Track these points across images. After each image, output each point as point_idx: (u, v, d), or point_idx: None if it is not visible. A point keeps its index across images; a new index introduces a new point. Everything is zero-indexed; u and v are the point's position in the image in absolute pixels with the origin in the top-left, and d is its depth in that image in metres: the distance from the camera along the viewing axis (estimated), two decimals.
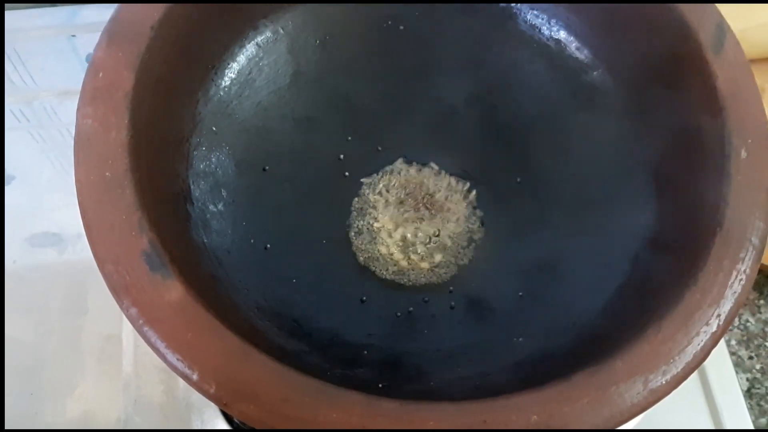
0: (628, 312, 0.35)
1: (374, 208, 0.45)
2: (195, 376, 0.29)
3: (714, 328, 0.31)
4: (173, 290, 0.30)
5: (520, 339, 0.39)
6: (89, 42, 0.59)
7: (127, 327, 0.46)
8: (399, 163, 0.46)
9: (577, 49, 0.45)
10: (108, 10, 0.59)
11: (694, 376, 0.49)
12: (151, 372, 0.44)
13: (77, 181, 0.32)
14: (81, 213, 0.32)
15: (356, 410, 0.29)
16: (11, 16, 0.60)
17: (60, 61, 0.58)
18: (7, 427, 0.43)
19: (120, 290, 0.30)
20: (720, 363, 0.49)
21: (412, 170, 0.46)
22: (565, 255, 0.42)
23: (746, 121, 0.36)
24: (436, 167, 0.46)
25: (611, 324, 0.36)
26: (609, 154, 0.43)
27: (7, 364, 0.45)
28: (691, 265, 0.33)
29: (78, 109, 0.34)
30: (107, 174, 0.32)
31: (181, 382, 0.44)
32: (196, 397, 0.44)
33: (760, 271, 0.54)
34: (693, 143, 0.38)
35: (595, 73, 0.44)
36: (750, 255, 0.33)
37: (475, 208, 0.46)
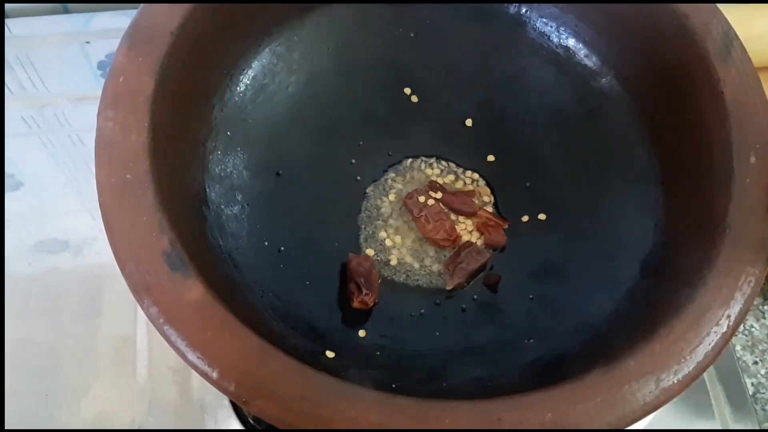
0: (639, 313, 0.36)
1: (383, 212, 0.45)
2: (215, 374, 0.29)
3: (724, 329, 0.32)
4: (193, 289, 0.31)
5: (532, 341, 0.39)
6: (102, 48, 0.60)
7: (142, 329, 0.46)
8: (407, 167, 0.47)
9: (586, 56, 0.45)
10: (120, 17, 0.61)
11: (702, 380, 0.49)
12: (165, 373, 0.45)
13: (98, 182, 0.33)
14: (102, 214, 0.32)
15: (374, 408, 0.29)
16: (25, 23, 0.61)
17: (73, 68, 0.59)
18: (19, 427, 0.44)
19: (141, 290, 0.31)
20: (727, 367, 0.50)
21: (422, 174, 0.47)
22: (575, 258, 0.42)
23: (754, 126, 0.37)
24: (446, 171, 0.47)
25: (623, 325, 0.36)
26: (618, 160, 0.43)
27: (22, 366, 0.45)
28: (701, 266, 0.34)
29: (99, 113, 0.34)
30: (128, 176, 0.32)
31: (195, 383, 0.44)
32: (210, 397, 0.44)
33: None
34: (702, 148, 0.38)
35: (603, 79, 0.45)
36: (759, 257, 0.34)
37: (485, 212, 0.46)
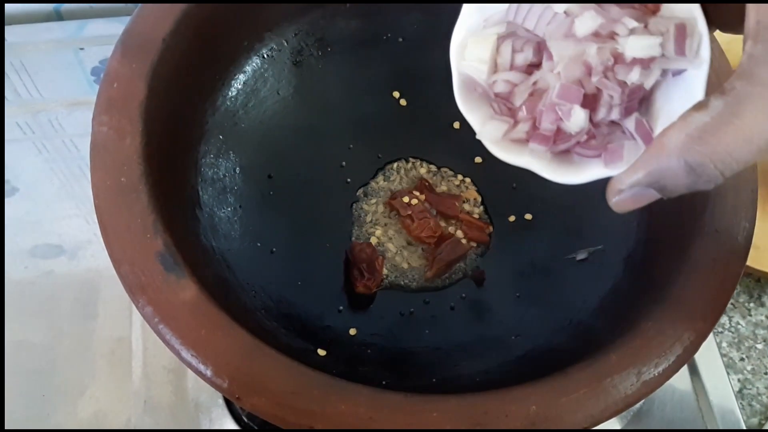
0: (622, 309, 0.37)
1: (373, 214, 0.46)
2: (209, 372, 0.30)
3: (703, 323, 0.33)
4: (187, 289, 0.31)
5: (518, 337, 0.40)
6: (95, 55, 0.60)
7: (137, 330, 0.47)
8: (397, 169, 0.47)
9: None
10: (114, 24, 0.62)
11: (687, 378, 0.50)
12: (160, 373, 0.45)
13: (93, 186, 0.33)
14: (97, 216, 0.33)
15: (363, 402, 0.30)
16: (19, 30, 0.61)
17: (66, 74, 0.60)
18: (16, 427, 0.44)
19: (136, 290, 0.31)
20: (712, 365, 0.50)
21: (410, 176, 0.47)
22: (560, 256, 0.43)
23: None
24: (434, 173, 0.48)
25: (606, 321, 0.37)
26: None
27: (19, 367, 0.46)
28: (681, 263, 0.35)
29: (93, 118, 0.35)
30: (122, 179, 0.33)
31: (190, 382, 0.45)
32: (205, 397, 0.45)
33: (749, 275, 0.55)
34: None
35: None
36: (737, 254, 0.35)
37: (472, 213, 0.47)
